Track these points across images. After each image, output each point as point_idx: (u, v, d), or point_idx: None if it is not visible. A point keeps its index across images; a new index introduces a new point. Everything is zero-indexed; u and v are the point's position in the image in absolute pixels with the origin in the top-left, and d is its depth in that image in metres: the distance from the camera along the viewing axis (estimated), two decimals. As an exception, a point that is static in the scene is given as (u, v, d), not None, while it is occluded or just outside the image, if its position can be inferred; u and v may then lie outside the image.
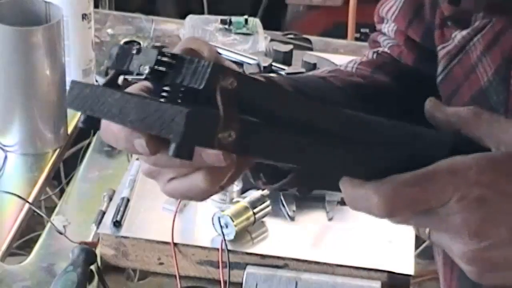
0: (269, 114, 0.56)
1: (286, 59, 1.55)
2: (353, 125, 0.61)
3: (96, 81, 1.43)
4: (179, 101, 0.56)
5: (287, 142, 0.57)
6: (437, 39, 0.89)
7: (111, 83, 0.60)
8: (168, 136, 0.53)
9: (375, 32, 1.03)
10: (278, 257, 1.16)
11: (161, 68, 0.55)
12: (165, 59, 0.55)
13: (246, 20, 1.70)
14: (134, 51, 0.57)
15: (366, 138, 0.61)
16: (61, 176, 1.53)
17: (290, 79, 0.85)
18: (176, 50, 0.66)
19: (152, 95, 0.59)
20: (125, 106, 0.56)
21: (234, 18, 1.70)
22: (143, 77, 0.56)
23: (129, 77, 0.57)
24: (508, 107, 0.78)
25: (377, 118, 0.64)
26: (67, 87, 1.42)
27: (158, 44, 0.54)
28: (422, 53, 0.92)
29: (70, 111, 1.44)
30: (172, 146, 0.53)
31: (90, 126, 0.60)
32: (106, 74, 1.44)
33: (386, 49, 0.98)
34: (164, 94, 0.57)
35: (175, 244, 1.16)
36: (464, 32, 0.83)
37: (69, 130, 1.44)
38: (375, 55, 0.98)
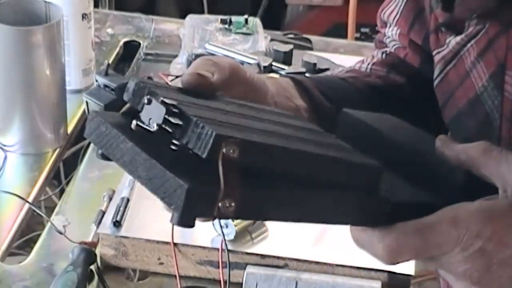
0: (273, 174, 0.57)
1: (286, 59, 1.55)
2: (361, 176, 0.61)
3: (96, 81, 1.42)
4: (191, 149, 0.56)
5: (290, 204, 0.58)
6: (432, 44, 0.89)
7: (126, 115, 0.61)
8: (170, 206, 0.54)
9: (379, 33, 1.03)
10: (278, 257, 1.16)
11: (167, 128, 0.56)
12: (172, 119, 0.56)
13: (246, 20, 1.70)
14: (145, 101, 0.58)
15: (375, 188, 0.62)
16: (61, 176, 1.53)
17: (315, 81, 0.85)
18: (185, 76, 0.67)
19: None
20: (135, 158, 0.57)
21: (234, 18, 1.70)
22: (152, 130, 0.57)
23: (141, 124, 0.58)
24: (503, 112, 0.78)
25: (389, 157, 0.65)
26: (67, 87, 1.43)
27: (168, 101, 0.54)
28: (426, 56, 0.92)
29: (70, 111, 1.44)
30: (174, 216, 0.54)
31: (107, 159, 0.61)
32: (106, 74, 1.43)
33: (392, 50, 0.98)
34: (176, 142, 0.57)
35: (175, 244, 1.16)
36: (458, 38, 0.83)
37: (69, 130, 1.44)
38: (384, 55, 0.99)
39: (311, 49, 1.73)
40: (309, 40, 1.76)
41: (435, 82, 0.87)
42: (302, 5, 2.91)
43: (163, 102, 0.56)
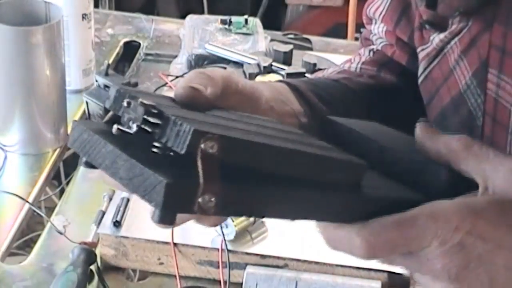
0: (253, 171, 0.56)
1: (286, 59, 1.55)
2: (343, 173, 0.61)
3: (96, 81, 1.42)
4: (171, 151, 0.56)
5: (270, 199, 0.57)
6: (416, 41, 0.89)
7: (109, 123, 0.61)
8: (150, 203, 0.54)
9: (364, 30, 1.02)
10: (278, 257, 1.16)
11: (147, 128, 0.56)
12: (151, 119, 0.56)
13: (246, 20, 1.70)
14: (125, 104, 0.58)
15: (357, 186, 0.61)
16: (61, 176, 1.53)
17: (309, 84, 0.85)
18: (179, 89, 0.66)
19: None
20: (115, 161, 0.57)
21: (234, 18, 1.70)
22: (131, 132, 0.57)
23: (122, 128, 0.58)
24: (485, 110, 0.78)
25: (372, 157, 0.64)
26: (67, 87, 1.43)
27: (147, 102, 0.55)
28: (413, 53, 0.92)
29: (70, 111, 1.44)
30: (155, 213, 0.54)
31: (92, 167, 0.61)
32: (106, 74, 1.43)
33: (379, 48, 0.98)
34: (156, 144, 0.57)
35: (175, 244, 1.16)
36: (442, 35, 0.83)
37: (69, 130, 1.44)
38: (371, 53, 0.98)
39: (311, 49, 1.73)
40: (309, 40, 1.77)
41: (420, 80, 0.87)
42: (302, 5, 2.91)
43: (142, 103, 0.56)
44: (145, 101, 0.56)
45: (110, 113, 0.62)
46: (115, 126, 0.58)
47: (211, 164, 0.54)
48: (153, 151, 0.57)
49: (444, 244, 0.59)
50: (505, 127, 0.76)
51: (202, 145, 0.53)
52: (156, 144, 0.57)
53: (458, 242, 0.59)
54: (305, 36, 1.78)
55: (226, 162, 0.54)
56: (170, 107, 0.61)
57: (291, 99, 0.79)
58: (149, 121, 0.56)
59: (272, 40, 1.67)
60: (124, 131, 0.57)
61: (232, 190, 0.55)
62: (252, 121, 0.66)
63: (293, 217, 0.61)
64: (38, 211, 1.30)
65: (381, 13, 0.96)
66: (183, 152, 0.54)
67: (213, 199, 0.54)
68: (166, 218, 0.54)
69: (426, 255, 0.59)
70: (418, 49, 0.88)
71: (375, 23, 0.98)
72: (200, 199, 0.53)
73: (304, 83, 0.84)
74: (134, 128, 0.56)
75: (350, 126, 0.69)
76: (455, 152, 0.64)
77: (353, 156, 0.63)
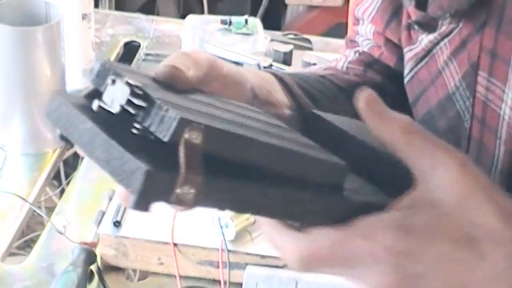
0: (234, 164, 0.55)
1: (286, 59, 1.55)
2: (326, 173, 0.59)
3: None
4: (152, 135, 0.54)
5: (251, 196, 0.56)
6: (403, 41, 0.88)
7: (89, 98, 0.59)
8: (127, 189, 0.52)
9: (350, 32, 1.02)
10: (278, 257, 1.16)
11: (130, 109, 0.54)
12: (135, 100, 0.54)
13: (246, 20, 1.70)
14: (110, 81, 0.56)
15: (339, 187, 0.60)
16: (61, 176, 1.53)
17: (295, 77, 0.84)
18: (160, 68, 0.64)
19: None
20: (93, 139, 0.55)
21: (234, 18, 1.70)
22: (114, 111, 0.55)
23: (103, 105, 0.55)
24: (473, 113, 0.77)
25: (353, 158, 0.62)
26: (67, 87, 1.43)
27: (133, 82, 0.52)
28: (402, 55, 0.91)
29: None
30: (131, 199, 0.52)
31: (66, 141, 0.58)
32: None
33: (365, 49, 0.98)
34: (137, 126, 0.55)
35: (175, 244, 1.16)
36: (431, 36, 0.82)
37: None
38: (357, 54, 0.97)
39: (311, 49, 1.73)
40: (309, 40, 1.77)
41: (406, 79, 0.87)
42: (302, 5, 2.91)
43: (127, 83, 0.54)
44: (130, 81, 0.54)
45: (91, 87, 0.59)
46: (95, 102, 0.55)
47: (194, 155, 0.52)
48: (133, 132, 0.55)
49: (379, 263, 0.57)
50: (493, 131, 0.75)
51: (187, 135, 0.52)
52: (136, 125, 0.55)
53: (393, 264, 0.57)
54: (305, 36, 1.79)
55: (209, 153, 0.53)
56: (155, 89, 0.59)
57: (277, 89, 0.79)
58: (133, 103, 0.54)
59: (272, 40, 1.68)
60: (105, 109, 0.55)
61: (212, 183, 0.53)
62: (237, 110, 0.64)
63: (272, 215, 0.59)
64: (38, 211, 1.30)
65: (370, 13, 0.95)
66: (166, 139, 0.52)
67: (192, 190, 0.52)
68: (142, 205, 0.52)
69: (361, 270, 0.58)
70: (405, 49, 0.87)
71: (363, 23, 0.98)
72: (178, 190, 0.52)
73: (290, 76, 0.83)
74: (117, 108, 0.54)
75: (333, 122, 0.67)
76: (395, 138, 0.60)
77: (335, 156, 0.61)
